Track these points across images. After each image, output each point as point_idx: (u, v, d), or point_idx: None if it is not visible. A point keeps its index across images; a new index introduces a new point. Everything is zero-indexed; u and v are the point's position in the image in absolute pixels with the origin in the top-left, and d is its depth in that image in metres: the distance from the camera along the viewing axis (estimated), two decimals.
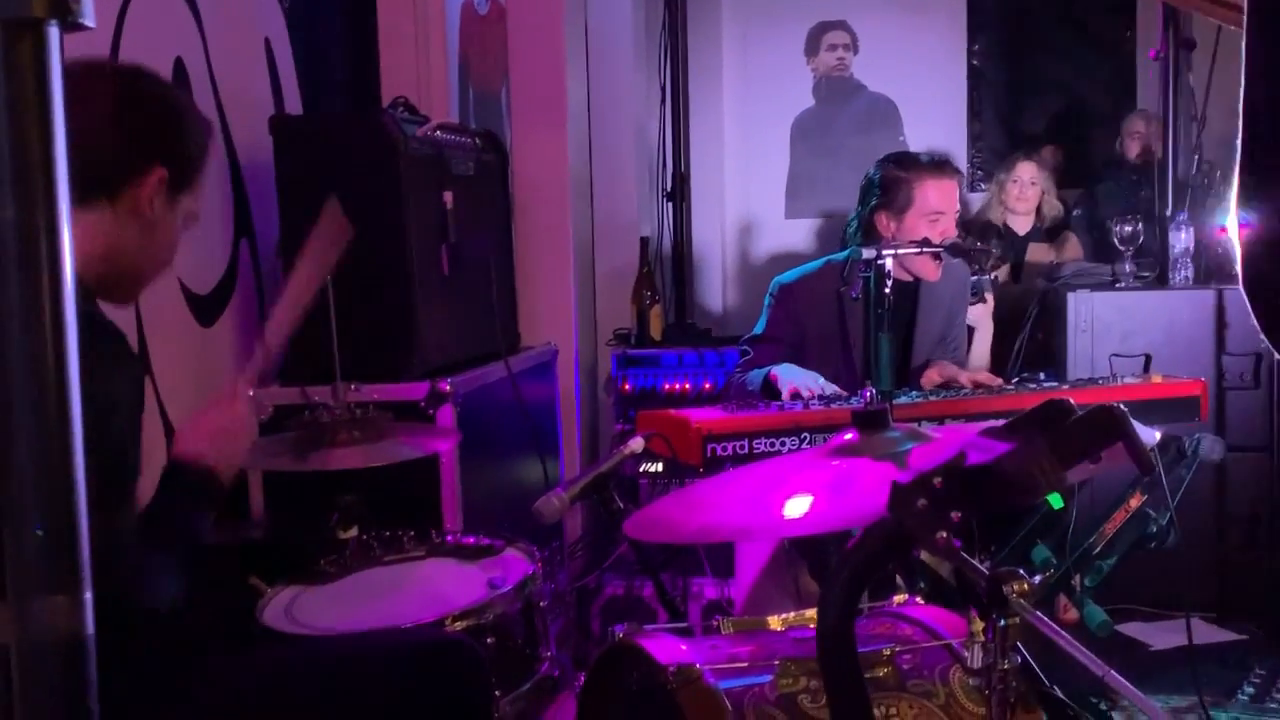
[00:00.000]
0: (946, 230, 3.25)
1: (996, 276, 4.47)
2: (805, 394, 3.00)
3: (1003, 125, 6.20)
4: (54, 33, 0.70)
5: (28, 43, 0.69)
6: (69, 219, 0.71)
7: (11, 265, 0.69)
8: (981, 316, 4.25)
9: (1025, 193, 5.28)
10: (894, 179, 3.31)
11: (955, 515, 1.09)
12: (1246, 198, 1.47)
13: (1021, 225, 5.35)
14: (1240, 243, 1.53)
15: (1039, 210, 5.37)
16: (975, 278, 4.16)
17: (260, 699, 1.84)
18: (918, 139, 6.02)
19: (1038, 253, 5.27)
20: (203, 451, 1.84)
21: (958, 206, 3.31)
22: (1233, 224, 1.58)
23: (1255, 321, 1.64)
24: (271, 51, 3.46)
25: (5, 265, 0.69)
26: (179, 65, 2.96)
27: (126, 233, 1.77)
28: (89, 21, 0.71)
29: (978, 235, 4.66)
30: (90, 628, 0.72)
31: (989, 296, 4.24)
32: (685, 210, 5.35)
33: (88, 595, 0.72)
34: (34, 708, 0.69)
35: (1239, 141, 1.47)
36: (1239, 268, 1.53)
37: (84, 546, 0.72)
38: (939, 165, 3.35)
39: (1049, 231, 5.39)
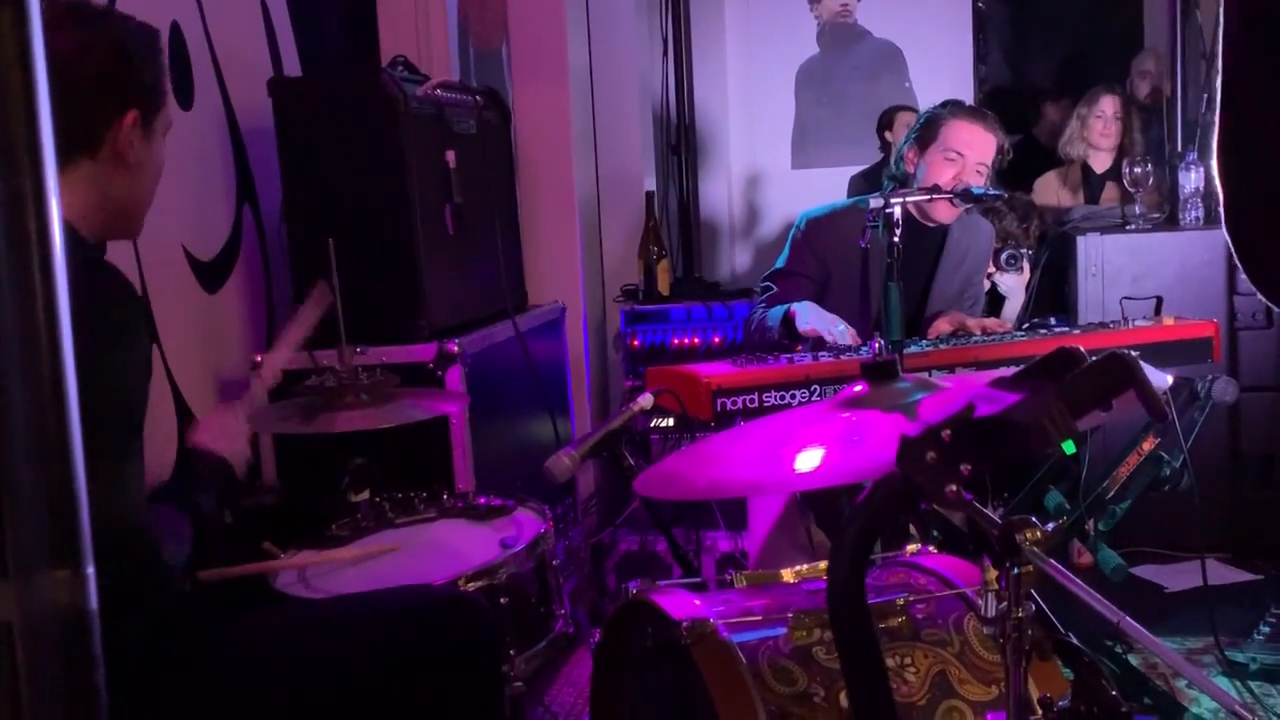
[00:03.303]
0: (961, 176, 3.20)
1: (1030, 250, 4.35)
2: (826, 338, 2.99)
3: (1010, 69, 6.13)
4: (33, 3, 0.69)
5: (7, 14, 0.67)
6: (56, 191, 0.70)
7: None
8: (1015, 286, 4.19)
9: (1109, 128, 5.03)
10: (931, 116, 3.35)
11: (965, 468, 1.07)
12: (1228, 141, 1.46)
13: (1101, 163, 5.10)
14: (1222, 184, 1.51)
15: (1121, 146, 5.06)
16: (1014, 250, 4.12)
17: (272, 661, 1.85)
18: (924, 85, 5.96)
19: (1114, 191, 5.01)
20: (208, 444, 2.11)
21: (986, 160, 3.25)
22: (1215, 165, 1.56)
23: (1238, 260, 1.63)
24: (268, 13, 3.43)
25: None
26: (175, 30, 2.94)
27: (116, 178, 1.76)
28: None
29: (1020, 213, 4.52)
30: (93, 602, 0.71)
31: (1026, 266, 4.18)
32: (690, 163, 5.32)
33: (89, 570, 0.71)
34: (39, 684, 0.69)
35: (1218, 84, 1.45)
36: (1222, 209, 1.52)
37: (84, 520, 0.71)
38: (977, 111, 3.38)
39: None
